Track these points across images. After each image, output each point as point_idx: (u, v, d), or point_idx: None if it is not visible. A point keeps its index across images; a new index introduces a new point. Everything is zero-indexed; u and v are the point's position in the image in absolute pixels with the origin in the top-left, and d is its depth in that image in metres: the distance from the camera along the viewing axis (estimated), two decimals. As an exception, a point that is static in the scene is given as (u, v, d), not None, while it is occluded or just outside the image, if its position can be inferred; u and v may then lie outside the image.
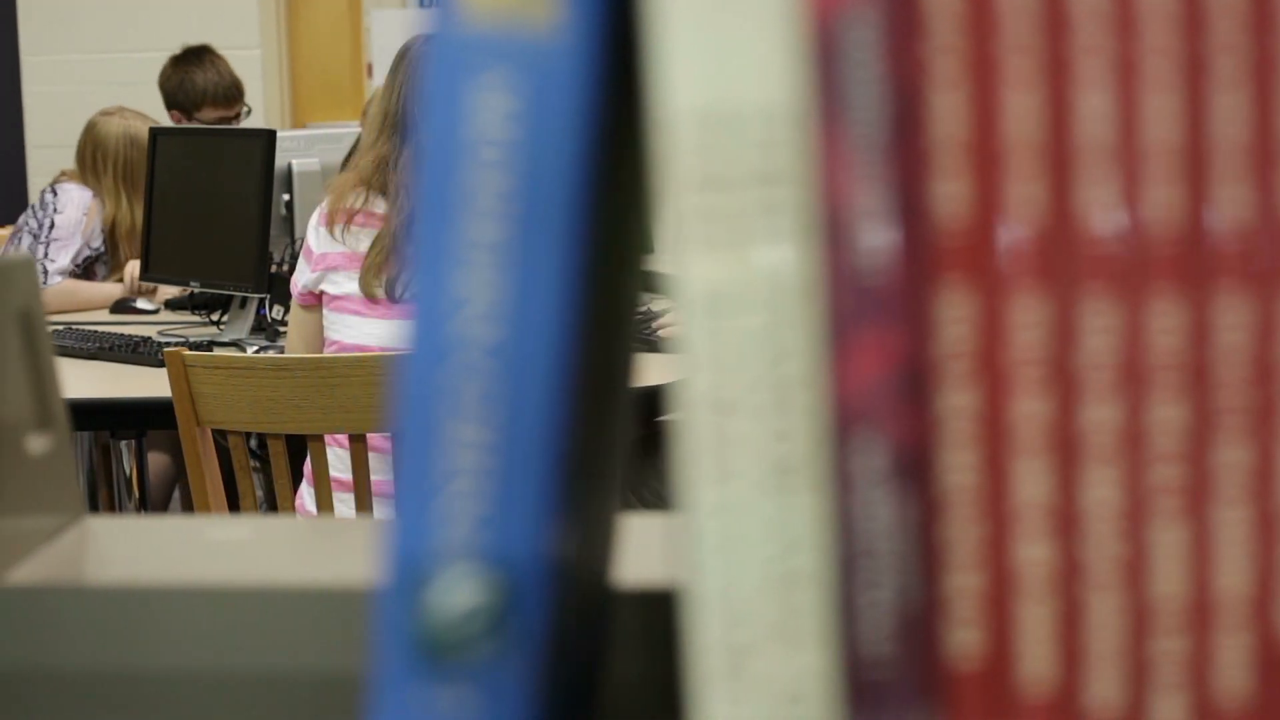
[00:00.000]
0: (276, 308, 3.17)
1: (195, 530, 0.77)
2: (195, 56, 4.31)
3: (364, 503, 2.17)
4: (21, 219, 3.98)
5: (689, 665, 0.35)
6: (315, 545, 0.67)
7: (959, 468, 0.34)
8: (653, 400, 2.61)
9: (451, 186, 0.32)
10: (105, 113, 3.98)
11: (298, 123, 5.70)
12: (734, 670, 0.34)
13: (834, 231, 0.33)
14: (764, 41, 0.32)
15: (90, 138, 3.92)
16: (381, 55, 5.71)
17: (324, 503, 2.20)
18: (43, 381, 0.70)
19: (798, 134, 0.32)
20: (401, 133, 2.34)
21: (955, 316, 0.34)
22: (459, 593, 0.33)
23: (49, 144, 5.81)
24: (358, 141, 3.71)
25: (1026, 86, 0.32)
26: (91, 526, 0.71)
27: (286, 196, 3.39)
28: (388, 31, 5.71)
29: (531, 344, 0.33)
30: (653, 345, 2.90)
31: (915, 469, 0.34)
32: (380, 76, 5.62)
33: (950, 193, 0.33)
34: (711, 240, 0.33)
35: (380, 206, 2.35)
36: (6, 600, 0.63)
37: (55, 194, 3.93)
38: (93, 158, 3.91)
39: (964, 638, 0.35)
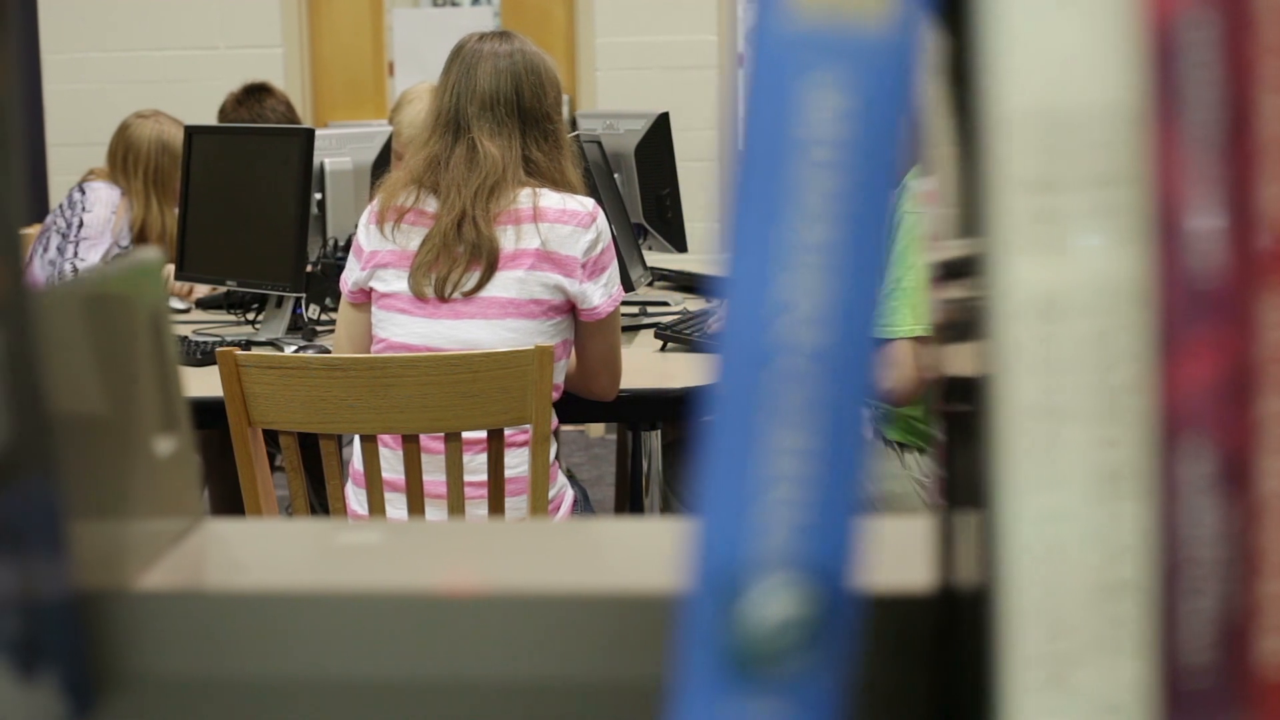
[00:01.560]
0: (312, 307, 3.16)
1: (323, 535, 0.76)
2: (260, 92, 4.23)
3: (416, 504, 2.16)
4: (49, 218, 3.97)
5: (998, 676, 0.34)
6: (445, 549, 0.66)
7: (1276, 473, 0.34)
8: (690, 401, 2.61)
9: (779, 187, 0.32)
10: (140, 115, 3.96)
11: (319, 121, 5.69)
12: (1053, 681, 0.33)
13: (1168, 233, 0.32)
14: (1103, 42, 0.31)
15: (123, 139, 3.91)
16: (403, 54, 5.70)
17: (375, 504, 2.19)
18: (168, 383, 0.69)
19: (1136, 135, 0.32)
20: (454, 131, 2.34)
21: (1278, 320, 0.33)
22: (775, 603, 0.33)
23: (70, 142, 5.81)
24: (389, 140, 3.71)
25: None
26: (213, 530, 0.70)
27: (319, 195, 3.38)
28: (409, 30, 5.71)
29: (853, 348, 0.32)
30: (694, 346, 2.90)
31: (1238, 475, 0.33)
32: (402, 75, 5.62)
33: (1276, 194, 0.33)
34: (1043, 243, 0.32)
35: (431, 205, 2.34)
36: (149, 606, 0.62)
37: (84, 193, 3.92)
38: (124, 159, 3.90)
39: (1276, 645, 0.34)
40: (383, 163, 3.58)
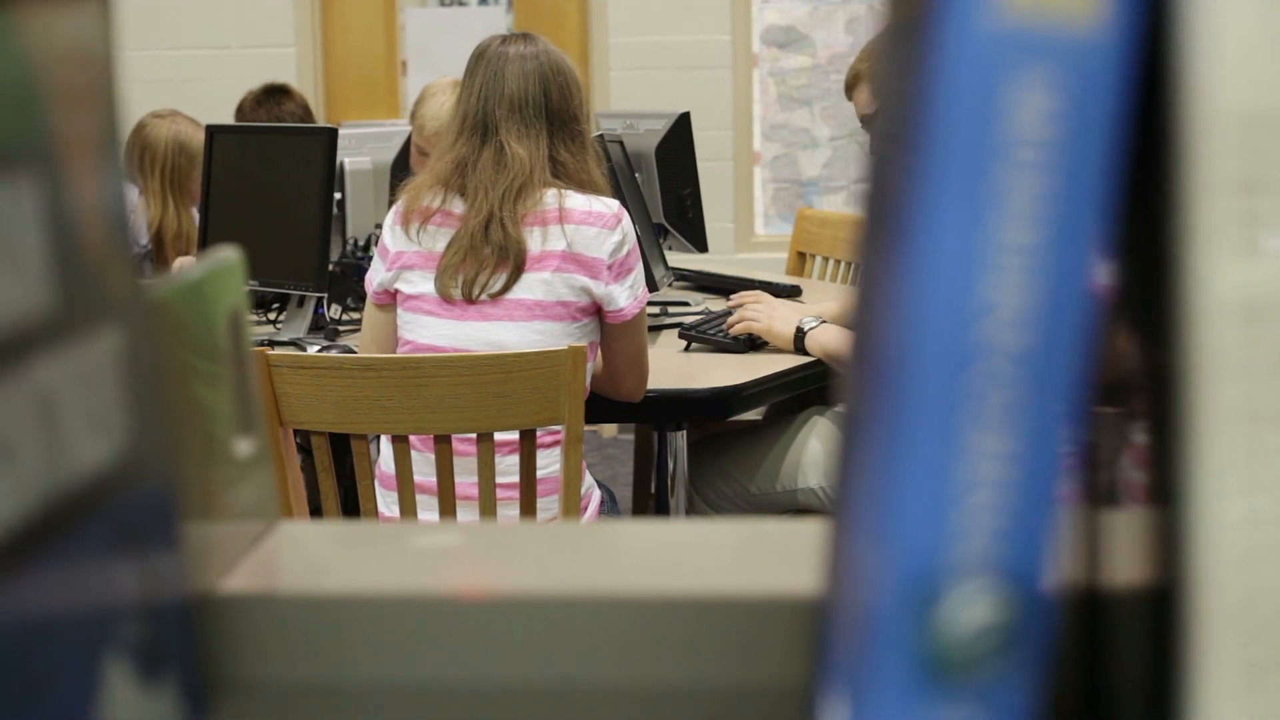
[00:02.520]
0: (334, 306, 3.16)
1: (399, 537, 0.76)
2: (279, 94, 4.21)
3: (447, 506, 2.16)
4: (67, 218, 3.96)
5: (1188, 679, 0.34)
6: (528, 551, 0.66)
7: None
8: (719, 400, 2.61)
9: (982, 188, 0.31)
10: (156, 115, 3.96)
11: (331, 121, 5.69)
12: (1250, 685, 0.33)
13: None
14: (1313, 40, 0.31)
15: (139, 138, 3.90)
16: (415, 53, 5.70)
17: (408, 506, 2.19)
18: (246, 384, 0.69)
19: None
20: (482, 133, 2.34)
21: None
22: (973, 609, 0.32)
23: (82, 143, 5.78)
24: (409, 140, 3.70)
25: None
26: (290, 532, 0.70)
27: (339, 195, 3.38)
28: (422, 29, 5.71)
29: (1058, 351, 0.32)
30: (718, 346, 2.89)
31: None
32: (414, 74, 5.61)
33: None
34: (1249, 246, 0.32)
35: (458, 206, 2.34)
36: (237, 609, 0.62)
37: (101, 192, 3.91)
38: (140, 159, 3.89)
39: None
40: (402, 162, 3.58)
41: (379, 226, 3.41)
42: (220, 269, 0.68)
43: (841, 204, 5.51)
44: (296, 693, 0.58)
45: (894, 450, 0.33)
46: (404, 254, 2.36)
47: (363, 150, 3.51)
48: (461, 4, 5.88)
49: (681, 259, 3.68)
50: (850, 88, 2.91)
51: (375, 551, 0.71)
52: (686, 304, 3.42)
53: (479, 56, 2.40)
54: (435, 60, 5.56)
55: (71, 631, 0.47)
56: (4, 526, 0.44)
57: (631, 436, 3.94)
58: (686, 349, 2.91)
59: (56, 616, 0.46)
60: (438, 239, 2.34)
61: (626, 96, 5.40)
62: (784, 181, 5.56)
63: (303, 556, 0.69)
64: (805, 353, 2.80)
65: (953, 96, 0.32)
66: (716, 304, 3.43)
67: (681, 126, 3.43)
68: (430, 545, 0.71)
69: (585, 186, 2.36)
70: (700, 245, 3.47)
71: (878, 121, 0.43)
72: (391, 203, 3.48)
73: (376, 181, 3.50)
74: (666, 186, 3.42)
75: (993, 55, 0.31)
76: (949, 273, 0.32)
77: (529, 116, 2.32)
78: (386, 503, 2.31)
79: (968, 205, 0.32)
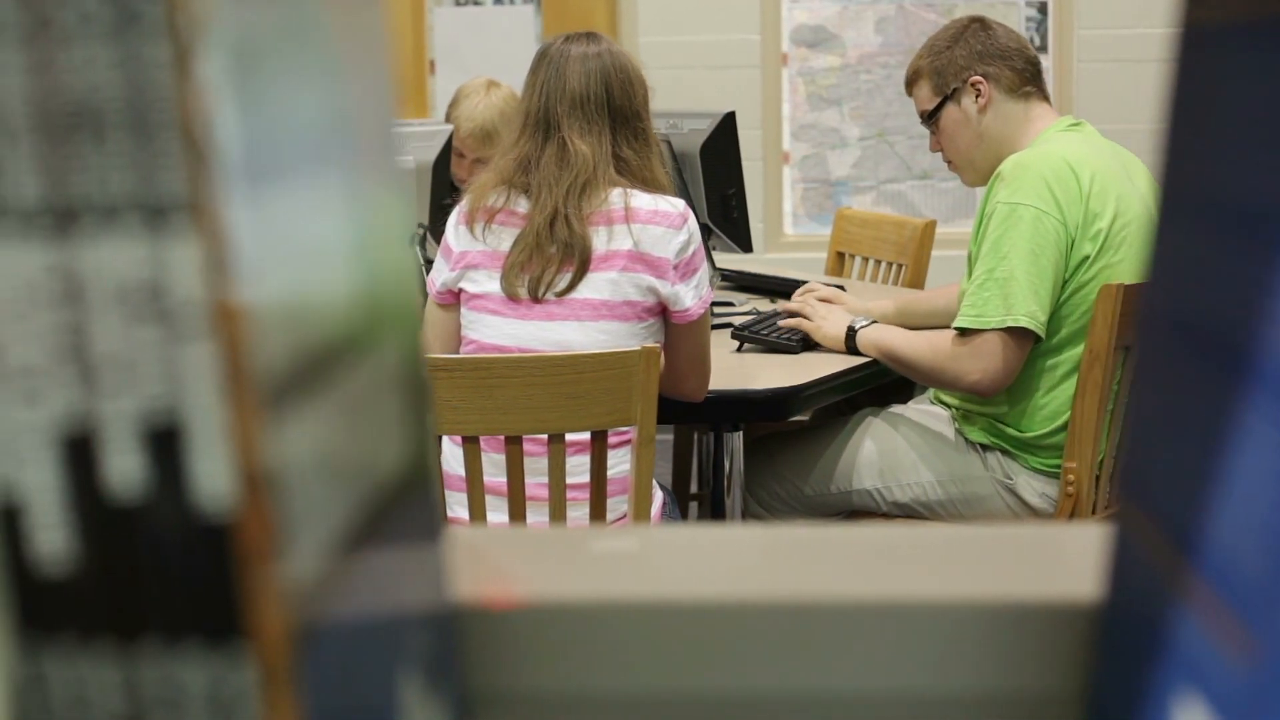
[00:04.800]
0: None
1: (575, 541, 0.75)
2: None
3: (518, 507, 2.15)
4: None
5: None
6: (788, 556, 0.64)
7: None
8: (779, 401, 2.60)
9: None
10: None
11: (358, 121, 5.66)
12: None
13: None
14: None
15: None
16: (444, 53, 5.69)
17: (477, 507, 2.18)
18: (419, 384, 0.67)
19: None
20: (544, 131, 2.33)
21: None
22: None
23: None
24: (450, 139, 3.69)
25: None
26: (462, 537, 0.69)
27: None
28: (451, 29, 5.70)
29: None
30: (771, 346, 2.88)
31: None
32: (443, 74, 5.60)
33: None
34: None
35: (522, 205, 2.33)
36: (494, 618, 0.60)
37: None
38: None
39: None
40: (444, 161, 3.56)
41: (421, 225, 3.40)
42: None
43: (871, 204, 5.50)
44: (552, 704, 0.57)
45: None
46: (468, 253, 2.35)
47: (405, 149, 3.50)
48: (495, 2, 5.87)
49: (720, 259, 3.67)
50: (911, 84, 2.89)
51: (554, 558, 0.70)
52: (731, 304, 3.41)
53: (542, 55, 2.39)
54: (464, 60, 5.55)
55: (378, 640, 0.46)
56: (336, 535, 0.43)
57: (669, 437, 3.92)
58: (739, 349, 2.90)
59: (368, 624, 0.45)
60: (503, 238, 2.33)
61: (655, 96, 5.38)
62: (813, 181, 5.55)
63: (539, 563, 0.67)
64: (856, 352, 2.80)
65: None
66: (763, 304, 3.42)
67: (726, 126, 3.42)
68: (605, 551, 0.70)
69: (649, 185, 2.35)
70: (745, 245, 3.46)
71: (1225, 126, 0.42)
72: (433, 202, 3.47)
73: (419, 180, 3.49)
74: (711, 186, 3.40)
75: None
76: None
77: (590, 113, 2.31)
78: (452, 504, 2.30)
79: None
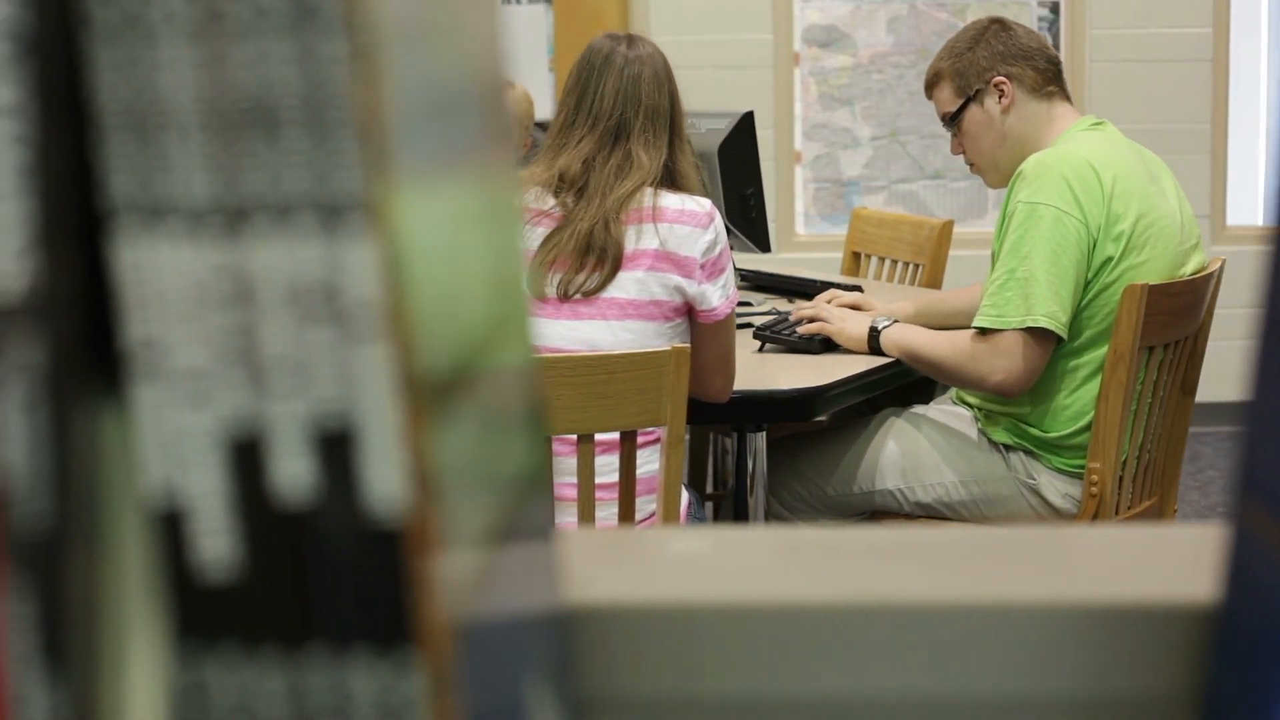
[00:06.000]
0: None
1: (654, 543, 0.74)
2: None
3: (587, 508, 2.15)
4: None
5: None
6: (899, 557, 0.64)
7: None
8: (804, 401, 2.59)
9: None
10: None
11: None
12: None
13: None
14: None
15: None
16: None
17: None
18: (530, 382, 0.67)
19: None
20: (613, 137, 2.32)
21: None
22: None
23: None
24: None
25: None
26: (580, 540, 0.68)
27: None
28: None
29: None
30: (792, 346, 2.88)
31: None
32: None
33: None
34: None
35: (549, 203, 2.32)
36: (602, 621, 0.59)
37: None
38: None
39: None
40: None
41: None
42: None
43: (882, 203, 5.49)
44: (661, 708, 0.56)
45: None
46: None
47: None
48: (505, 1, 5.87)
49: (735, 259, 3.66)
50: (931, 86, 2.88)
51: (635, 560, 0.69)
52: (749, 304, 3.40)
53: (606, 59, 2.36)
54: (475, 59, 5.54)
55: (510, 643, 0.45)
56: (482, 538, 0.42)
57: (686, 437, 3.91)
58: (760, 349, 2.89)
59: (505, 628, 0.44)
60: (531, 238, 2.32)
61: (667, 96, 5.37)
62: (824, 181, 5.54)
63: (643, 565, 0.66)
64: (879, 353, 2.79)
65: None
66: (781, 303, 3.41)
67: (745, 126, 3.41)
68: (681, 552, 0.69)
69: (679, 185, 2.35)
70: (763, 245, 3.46)
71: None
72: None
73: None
74: (729, 186, 3.40)
75: None
76: None
77: (659, 126, 2.33)
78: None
79: None
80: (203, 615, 0.35)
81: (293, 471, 0.34)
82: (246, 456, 0.35)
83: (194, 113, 0.34)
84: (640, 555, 0.68)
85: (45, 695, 0.35)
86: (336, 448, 0.34)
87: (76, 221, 0.34)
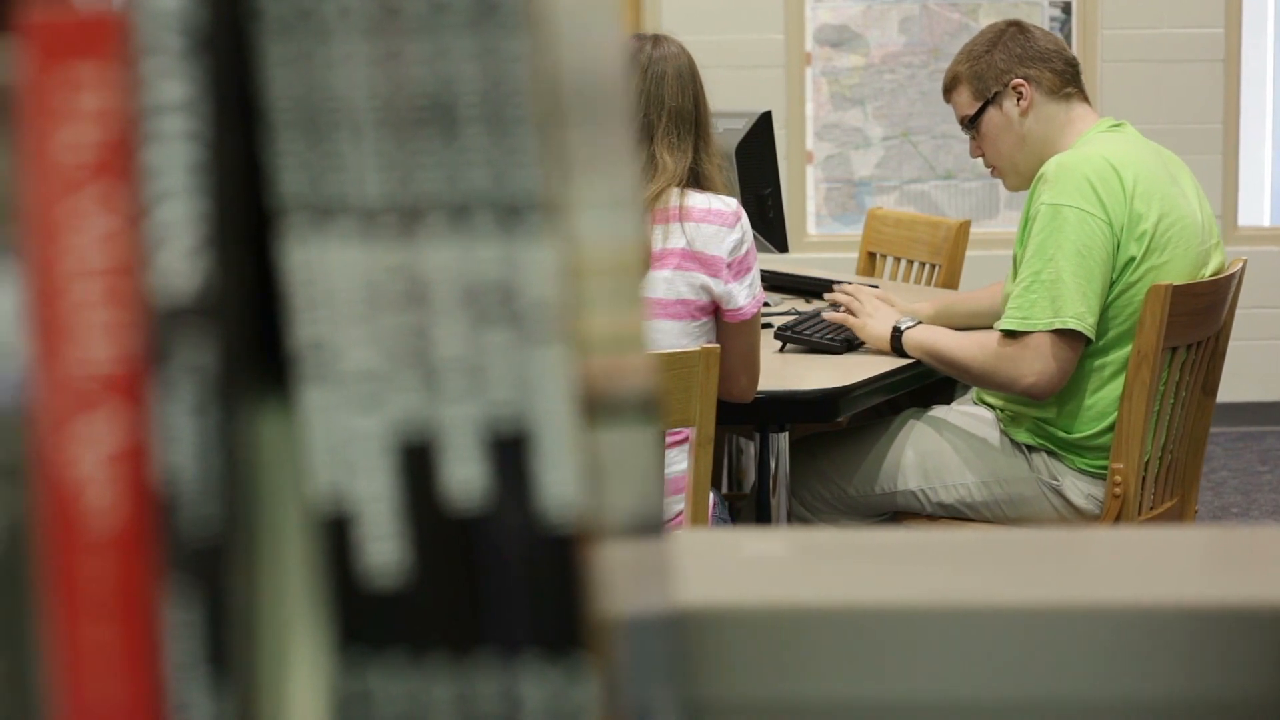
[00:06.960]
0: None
1: (729, 546, 0.73)
2: None
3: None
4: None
5: None
6: (994, 561, 0.63)
7: None
8: (827, 401, 2.58)
9: None
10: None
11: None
12: None
13: None
14: None
15: None
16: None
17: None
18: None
19: None
20: (636, 139, 2.32)
21: None
22: None
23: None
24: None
25: None
26: (706, 540, 0.67)
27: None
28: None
29: None
30: (813, 346, 2.87)
31: None
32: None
33: None
34: None
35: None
36: (714, 624, 0.59)
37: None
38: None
39: None
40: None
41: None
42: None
43: (894, 204, 5.49)
44: (769, 711, 0.56)
45: None
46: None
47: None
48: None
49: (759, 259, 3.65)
50: (949, 90, 2.87)
51: (710, 561, 0.68)
52: (767, 304, 3.39)
53: (630, 59, 2.36)
54: (486, 59, 5.53)
55: (641, 646, 0.44)
56: (627, 540, 0.42)
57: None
58: (781, 349, 2.89)
59: (640, 630, 0.43)
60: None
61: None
62: (836, 181, 5.53)
63: (749, 567, 0.65)
64: (902, 353, 2.78)
65: None
66: (799, 303, 3.40)
67: (763, 126, 3.41)
68: (756, 554, 0.68)
69: (705, 185, 2.35)
70: (781, 245, 3.45)
71: None
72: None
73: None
74: (747, 186, 3.39)
75: None
76: None
77: (684, 129, 2.32)
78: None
79: None
80: (368, 622, 0.35)
81: (465, 475, 0.34)
82: (417, 460, 0.34)
83: (368, 110, 0.33)
84: (725, 557, 0.67)
85: (208, 703, 0.34)
86: (510, 451, 0.34)
87: (246, 220, 0.34)
